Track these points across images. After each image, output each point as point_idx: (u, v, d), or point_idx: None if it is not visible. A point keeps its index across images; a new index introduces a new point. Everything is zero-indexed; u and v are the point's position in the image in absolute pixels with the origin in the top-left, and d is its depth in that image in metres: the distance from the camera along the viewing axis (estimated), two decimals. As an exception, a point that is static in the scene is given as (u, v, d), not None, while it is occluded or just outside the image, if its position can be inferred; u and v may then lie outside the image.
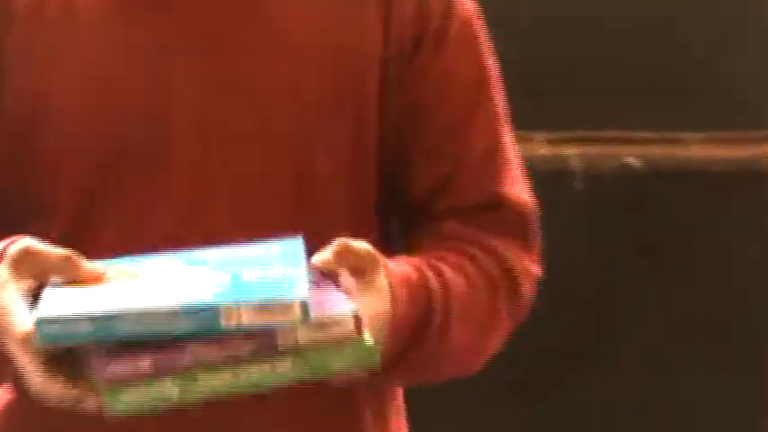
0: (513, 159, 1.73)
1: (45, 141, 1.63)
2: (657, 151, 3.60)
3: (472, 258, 1.64)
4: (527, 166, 1.83)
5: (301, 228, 1.51)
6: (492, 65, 1.75)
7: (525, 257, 1.69)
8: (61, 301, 1.29)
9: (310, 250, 1.45)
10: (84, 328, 1.23)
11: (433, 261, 1.60)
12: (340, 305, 1.31)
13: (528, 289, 1.70)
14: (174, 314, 1.24)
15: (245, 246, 1.42)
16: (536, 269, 1.71)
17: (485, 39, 1.75)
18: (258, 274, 1.31)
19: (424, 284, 1.54)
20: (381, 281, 1.44)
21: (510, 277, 1.66)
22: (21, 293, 1.37)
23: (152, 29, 1.62)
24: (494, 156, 1.71)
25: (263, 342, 1.26)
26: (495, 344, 1.69)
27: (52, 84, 1.61)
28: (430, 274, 1.57)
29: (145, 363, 1.22)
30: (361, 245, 1.41)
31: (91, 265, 1.38)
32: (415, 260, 1.59)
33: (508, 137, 1.74)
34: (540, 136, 3.54)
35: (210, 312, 1.22)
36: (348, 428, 1.71)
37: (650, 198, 3.60)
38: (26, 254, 1.39)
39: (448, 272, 1.59)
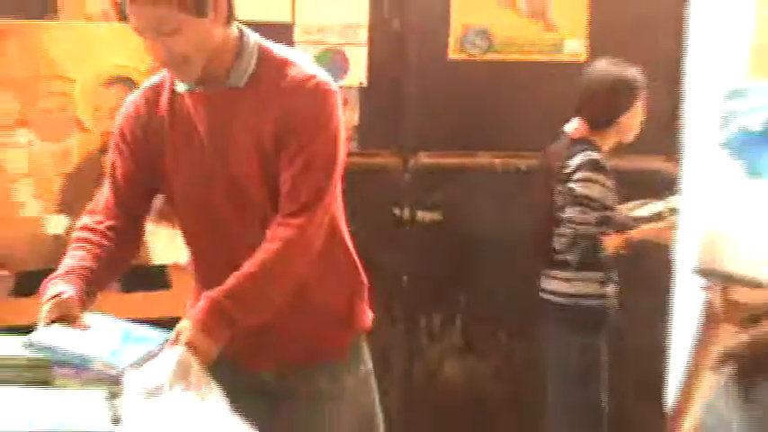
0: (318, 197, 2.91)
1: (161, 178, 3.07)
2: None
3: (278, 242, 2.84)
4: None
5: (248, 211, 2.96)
6: (329, 148, 2.93)
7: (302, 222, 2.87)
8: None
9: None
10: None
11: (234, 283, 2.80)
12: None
13: (305, 243, 2.89)
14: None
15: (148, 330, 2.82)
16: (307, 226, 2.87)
17: (330, 129, 2.92)
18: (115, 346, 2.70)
19: (217, 310, 2.75)
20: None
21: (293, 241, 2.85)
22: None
23: (200, 136, 2.99)
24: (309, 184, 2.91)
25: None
26: (298, 269, 2.90)
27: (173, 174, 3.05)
28: (223, 299, 2.76)
29: None
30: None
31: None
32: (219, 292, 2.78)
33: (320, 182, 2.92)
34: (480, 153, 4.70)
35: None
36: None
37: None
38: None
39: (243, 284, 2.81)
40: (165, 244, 3.98)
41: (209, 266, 3.06)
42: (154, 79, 3.11)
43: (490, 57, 4.61)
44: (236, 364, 2.82)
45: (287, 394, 3.07)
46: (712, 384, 2.60)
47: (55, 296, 2.79)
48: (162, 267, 4.03)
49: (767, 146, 4.16)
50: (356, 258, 3.21)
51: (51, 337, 2.69)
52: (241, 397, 2.64)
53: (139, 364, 2.64)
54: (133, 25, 2.84)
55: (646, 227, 4.24)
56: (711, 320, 4.39)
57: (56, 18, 4.01)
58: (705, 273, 4.39)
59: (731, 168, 4.28)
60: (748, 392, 2.36)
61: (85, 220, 3.11)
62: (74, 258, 2.98)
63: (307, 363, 3.11)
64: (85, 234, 3.05)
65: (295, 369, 3.09)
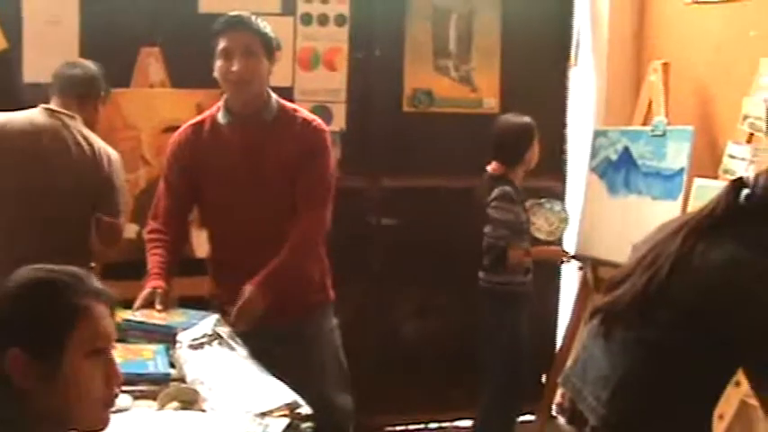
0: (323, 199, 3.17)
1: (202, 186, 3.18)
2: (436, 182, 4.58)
3: (299, 228, 3.08)
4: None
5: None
6: (328, 165, 3.18)
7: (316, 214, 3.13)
8: None
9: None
10: None
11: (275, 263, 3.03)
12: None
13: (320, 226, 3.16)
14: None
15: None
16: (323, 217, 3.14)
17: (329, 153, 3.19)
18: None
19: (265, 281, 3.00)
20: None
21: (311, 225, 3.12)
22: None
23: (236, 156, 3.11)
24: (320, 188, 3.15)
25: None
26: (318, 241, 3.20)
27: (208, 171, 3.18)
28: (267, 273, 3.01)
29: None
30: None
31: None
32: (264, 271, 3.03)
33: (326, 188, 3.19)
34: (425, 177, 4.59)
35: None
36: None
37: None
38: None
39: (279, 263, 3.03)
40: (204, 244, 3.91)
41: (231, 253, 3.16)
42: (196, 119, 3.25)
43: (432, 110, 4.60)
44: None
45: (286, 338, 3.13)
46: (585, 332, 2.66)
47: (153, 288, 3.00)
48: (201, 259, 3.96)
49: (621, 170, 4.25)
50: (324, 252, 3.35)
51: (137, 315, 2.85)
52: (254, 341, 2.74)
53: (188, 328, 2.71)
54: (223, 48, 3.05)
55: (543, 248, 4.27)
56: (585, 291, 4.48)
57: (128, 86, 4.03)
58: (581, 258, 4.50)
59: (598, 186, 4.39)
60: (607, 334, 2.40)
61: (153, 224, 3.24)
62: (157, 255, 3.14)
63: (300, 316, 3.22)
64: (157, 235, 3.21)
65: (292, 321, 3.18)
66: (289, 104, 3.24)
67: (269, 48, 3.10)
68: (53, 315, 1.64)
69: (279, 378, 2.44)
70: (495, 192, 4.04)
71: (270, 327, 3.03)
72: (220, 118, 3.16)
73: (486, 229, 4.06)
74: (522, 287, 4.12)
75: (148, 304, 2.93)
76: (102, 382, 1.68)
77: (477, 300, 4.17)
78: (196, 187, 3.20)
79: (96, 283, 1.73)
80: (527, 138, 4.12)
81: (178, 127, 3.94)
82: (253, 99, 3.11)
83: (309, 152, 3.13)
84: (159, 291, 2.98)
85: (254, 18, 3.13)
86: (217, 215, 3.24)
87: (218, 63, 3.08)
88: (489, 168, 4.15)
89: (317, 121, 3.21)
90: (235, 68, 3.03)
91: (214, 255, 3.32)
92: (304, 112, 3.23)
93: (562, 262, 4.44)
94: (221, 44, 3.06)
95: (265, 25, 3.14)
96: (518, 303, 4.12)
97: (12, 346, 1.62)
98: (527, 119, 4.14)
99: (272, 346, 2.82)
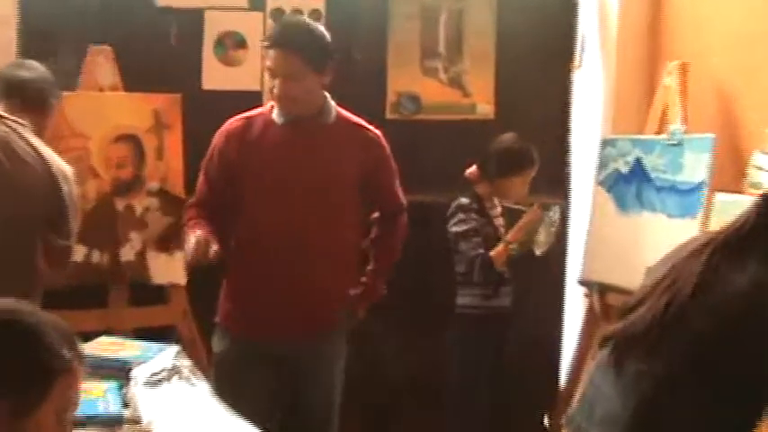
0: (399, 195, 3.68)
1: (247, 183, 3.36)
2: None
3: (389, 231, 3.67)
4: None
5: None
6: (394, 170, 3.63)
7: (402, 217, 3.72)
8: None
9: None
10: None
11: (374, 257, 3.66)
12: None
13: (404, 225, 3.73)
14: None
15: None
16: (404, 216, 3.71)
17: (391, 158, 3.58)
18: None
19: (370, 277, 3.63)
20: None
21: (400, 228, 3.70)
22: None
23: (288, 157, 3.35)
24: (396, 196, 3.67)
25: None
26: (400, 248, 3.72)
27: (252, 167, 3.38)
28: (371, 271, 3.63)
29: None
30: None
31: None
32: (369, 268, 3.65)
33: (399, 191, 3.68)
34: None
35: None
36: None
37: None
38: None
39: (379, 257, 3.67)
40: (163, 268, 3.96)
41: (264, 265, 3.37)
42: (246, 114, 3.49)
43: (419, 117, 4.63)
44: (256, 339, 3.35)
45: (296, 358, 3.44)
46: (592, 366, 2.66)
47: (207, 235, 3.24)
48: (160, 286, 3.98)
49: (632, 184, 4.27)
50: None
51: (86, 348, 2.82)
52: (256, 366, 3.27)
53: (144, 362, 2.77)
54: (268, 67, 3.32)
55: (519, 224, 4.19)
56: (592, 320, 4.51)
57: (75, 89, 4.01)
58: (587, 284, 4.52)
59: (606, 202, 4.41)
60: (618, 366, 2.41)
61: (194, 208, 3.51)
62: (200, 223, 3.36)
63: (313, 333, 3.46)
64: (197, 215, 3.44)
65: (303, 339, 3.44)
66: (344, 112, 3.52)
67: (315, 60, 3.31)
68: (48, 354, 1.70)
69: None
70: (451, 208, 4.20)
71: (276, 346, 3.37)
72: (276, 117, 3.40)
73: (462, 247, 4.13)
74: (483, 311, 4.23)
75: (203, 251, 3.17)
76: None
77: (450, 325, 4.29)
78: (238, 184, 3.41)
79: (81, 346, 1.81)
80: (506, 163, 4.18)
81: (132, 135, 4.02)
82: (304, 110, 3.38)
83: (380, 163, 3.55)
84: (210, 241, 3.22)
85: (300, 26, 3.45)
86: (257, 216, 3.41)
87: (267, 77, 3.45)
88: (467, 172, 4.26)
89: (377, 131, 3.57)
90: (276, 92, 3.31)
91: (241, 265, 3.47)
92: (361, 121, 3.55)
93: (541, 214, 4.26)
94: (267, 61, 3.33)
95: (312, 35, 3.37)
96: (479, 328, 4.24)
97: None
98: (527, 151, 4.21)
99: (275, 367, 3.34)
